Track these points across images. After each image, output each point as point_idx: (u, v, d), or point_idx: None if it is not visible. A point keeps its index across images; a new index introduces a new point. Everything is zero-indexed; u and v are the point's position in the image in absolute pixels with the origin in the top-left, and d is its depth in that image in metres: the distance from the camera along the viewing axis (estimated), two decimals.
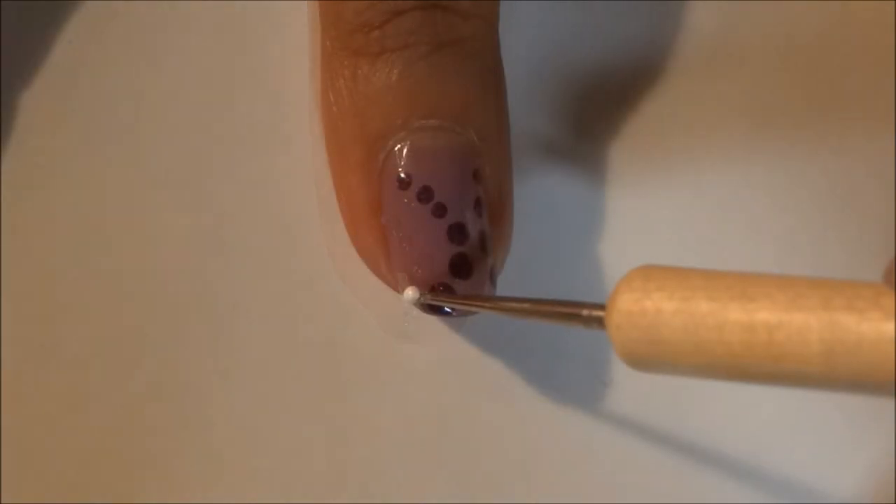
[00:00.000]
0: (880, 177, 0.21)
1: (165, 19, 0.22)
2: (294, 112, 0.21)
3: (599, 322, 0.14)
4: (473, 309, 0.18)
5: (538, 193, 0.21)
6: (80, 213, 0.21)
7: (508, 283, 0.19)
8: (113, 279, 0.20)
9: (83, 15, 0.22)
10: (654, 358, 0.14)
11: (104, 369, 0.20)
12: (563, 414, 0.20)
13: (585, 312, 0.15)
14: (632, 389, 0.20)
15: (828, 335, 0.12)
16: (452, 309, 0.18)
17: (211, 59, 0.22)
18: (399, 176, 0.18)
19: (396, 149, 0.18)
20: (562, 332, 0.20)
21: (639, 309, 0.13)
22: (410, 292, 0.18)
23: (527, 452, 0.20)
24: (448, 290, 0.18)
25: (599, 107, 0.22)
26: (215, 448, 0.19)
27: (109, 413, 0.20)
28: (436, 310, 0.18)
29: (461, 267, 0.18)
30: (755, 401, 0.20)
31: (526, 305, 0.16)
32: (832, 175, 0.21)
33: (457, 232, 0.18)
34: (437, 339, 0.20)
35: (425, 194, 0.17)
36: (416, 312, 0.19)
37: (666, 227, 0.21)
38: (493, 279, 0.18)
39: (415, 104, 0.17)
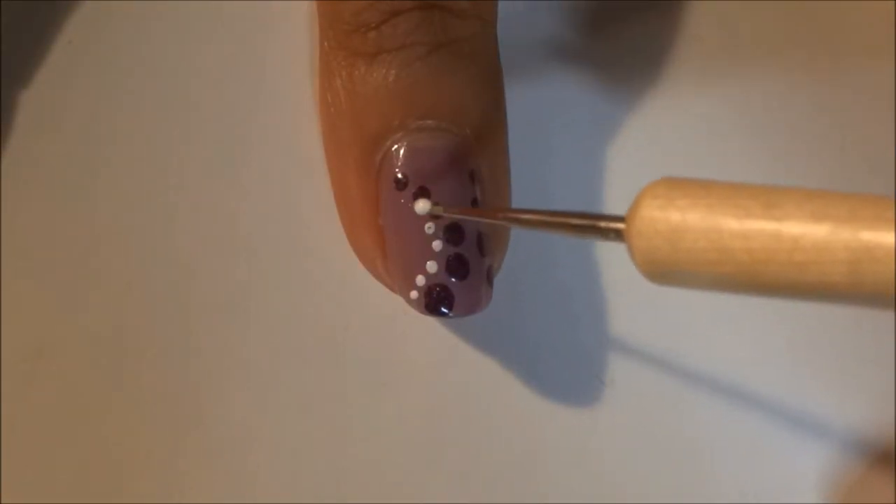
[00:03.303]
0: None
1: (165, 20, 0.22)
2: (297, 112, 0.21)
3: (617, 234, 0.14)
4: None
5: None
6: (80, 213, 0.21)
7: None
8: (112, 279, 0.20)
9: (83, 15, 0.22)
10: (674, 267, 0.13)
11: (104, 369, 0.20)
12: (562, 414, 0.20)
13: (603, 224, 0.14)
14: (632, 389, 0.20)
15: (854, 244, 0.12)
16: (449, 310, 0.18)
17: (212, 59, 0.22)
18: (396, 177, 0.18)
19: (394, 149, 0.18)
20: (561, 331, 0.20)
21: (662, 215, 0.13)
22: (422, 203, 0.17)
23: (526, 452, 0.20)
24: (444, 291, 0.18)
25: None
26: (216, 448, 0.19)
27: (110, 413, 0.20)
28: (435, 311, 0.18)
29: (458, 267, 0.18)
30: (754, 400, 0.20)
31: (543, 217, 0.16)
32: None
33: (453, 233, 0.17)
34: None
35: (422, 195, 0.17)
36: (415, 313, 0.18)
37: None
38: (489, 280, 0.18)
39: (412, 105, 0.17)
